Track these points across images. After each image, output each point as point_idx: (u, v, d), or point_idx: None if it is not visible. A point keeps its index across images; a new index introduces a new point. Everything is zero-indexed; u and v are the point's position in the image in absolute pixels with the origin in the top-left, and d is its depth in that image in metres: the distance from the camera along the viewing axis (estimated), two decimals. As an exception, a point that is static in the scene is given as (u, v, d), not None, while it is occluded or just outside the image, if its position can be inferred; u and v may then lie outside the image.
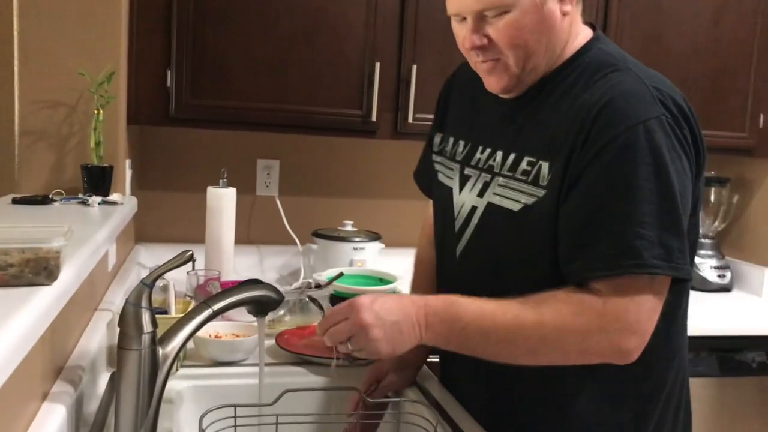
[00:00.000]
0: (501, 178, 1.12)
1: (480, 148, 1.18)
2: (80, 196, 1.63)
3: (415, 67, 1.98)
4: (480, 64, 1.11)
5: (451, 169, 1.24)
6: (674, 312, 1.09)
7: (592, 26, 1.16)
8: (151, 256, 2.09)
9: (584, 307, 0.98)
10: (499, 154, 1.14)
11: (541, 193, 1.05)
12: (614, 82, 1.04)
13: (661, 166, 0.98)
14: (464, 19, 1.08)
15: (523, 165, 1.09)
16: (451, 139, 1.26)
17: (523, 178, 1.08)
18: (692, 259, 1.07)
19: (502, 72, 1.09)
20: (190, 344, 1.15)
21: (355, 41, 1.97)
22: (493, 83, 1.12)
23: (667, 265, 0.97)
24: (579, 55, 1.10)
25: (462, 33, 1.10)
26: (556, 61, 1.11)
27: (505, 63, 1.08)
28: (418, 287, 1.38)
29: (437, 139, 1.31)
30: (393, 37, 1.99)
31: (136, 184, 2.10)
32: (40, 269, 0.81)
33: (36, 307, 0.74)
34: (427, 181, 1.35)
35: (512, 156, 1.11)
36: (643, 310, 0.98)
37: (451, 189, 1.23)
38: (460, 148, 1.23)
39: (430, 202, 1.37)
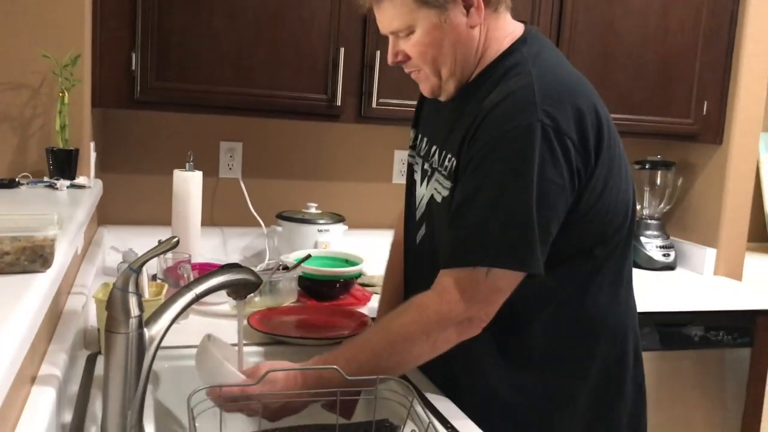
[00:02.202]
0: (436, 173, 1.24)
1: (433, 146, 1.29)
2: (47, 179, 1.63)
3: (378, 53, 2.02)
4: (410, 74, 1.24)
5: (418, 164, 1.35)
6: (567, 293, 1.20)
7: (527, 24, 1.24)
8: (115, 239, 2.10)
9: (421, 312, 1.12)
10: (436, 151, 1.25)
11: (450, 185, 1.18)
12: (507, 87, 1.12)
13: (523, 170, 1.05)
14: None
15: (446, 161, 1.20)
16: (420, 136, 1.36)
17: (445, 173, 1.20)
18: (594, 251, 1.19)
19: (425, 81, 1.22)
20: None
21: (320, 27, 2.00)
22: (422, 89, 1.25)
23: (506, 259, 1.07)
24: (501, 58, 1.18)
25: None
26: (478, 66, 1.20)
27: (425, 73, 1.21)
28: (393, 267, 1.47)
29: (412, 134, 1.41)
30: (357, 24, 2.02)
31: (98, 166, 2.09)
32: (35, 257, 0.83)
33: (38, 294, 0.77)
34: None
35: (443, 153, 1.23)
36: (476, 300, 1.09)
37: (416, 182, 1.35)
38: (424, 145, 1.33)
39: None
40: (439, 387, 1.27)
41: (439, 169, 1.23)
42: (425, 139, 1.33)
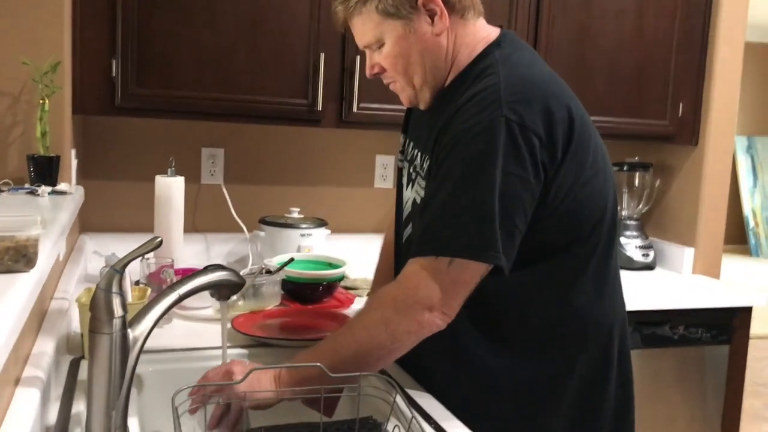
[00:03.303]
0: (418, 176, 1.27)
1: (416, 150, 1.32)
2: (28, 186, 1.63)
3: (359, 57, 2.03)
4: (389, 86, 1.28)
5: (405, 167, 1.38)
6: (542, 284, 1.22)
7: (503, 27, 1.27)
8: (97, 246, 2.09)
9: (380, 299, 1.16)
10: (418, 155, 1.29)
11: (425, 185, 1.22)
12: (476, 88, 1.15)
13: (485, 163, 1.08)
14: None
15: (424, 163, 1.24)
16: (408, 141, 1.39)
17: (423, 173, 1.24)
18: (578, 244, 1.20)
19: (401, 91, 1.26)
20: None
21: (300, 32, 2.02)
22: (402, 100, 1.29)
23: (465, 250, 1.09)
24: (474, 62, 1.22)
25: None
26: (451, 72, 1.23)
27: (400, 84, 1.25)
28: (384, 267, 1.50)
29: (401, 139, 1.43)
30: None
31: (80, 173, 2.09)
32: (19, 257, 0.84)
33: (22, 294, 0.77)
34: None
35: (423, 156, 1.26)
36: (436, 289, 1.10)
37: (403, 185, 1.38)
38: (410, 149, 1.36)
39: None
40: (421, 384, 1.29)
41: (420, 171, 1.26)
42: (411, 144, 1.37)
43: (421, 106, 1.27)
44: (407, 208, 1.34)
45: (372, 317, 1.15)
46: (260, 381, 1.11)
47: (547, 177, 1.12)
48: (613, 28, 2.33)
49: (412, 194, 1.30)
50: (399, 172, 1.44)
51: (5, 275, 0.83)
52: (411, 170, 1.33)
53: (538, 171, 1.11)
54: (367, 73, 1.27)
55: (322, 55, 2.02)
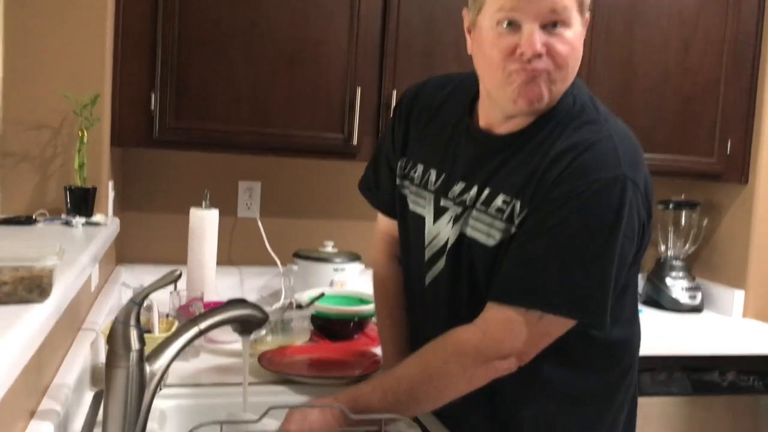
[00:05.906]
0: (474, 212, 1.16)
1: (456, 181, 1.20)
2: (63, 217, 1.65)
3: (395, 92, 2.02)
4: (520, 72, 1.07)
5: (424, 198, 1.25)
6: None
7: None
8: (132, 277, 2.10)
9: (460, 346, 1.10)
10: (474, 189, 1.17)
11: (503, 226, 1.12)
12: (581, 135, 1.09)
13: (610, 223, 1.04)
14: (517, 27, 1.06)
15: (498, 202, 1.13)
16: (420, 166, 1.26)
17: (498, 215, 1.13)
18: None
19: (543, 83, 1.08)
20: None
21: (337, 67, 2.02)
22: (528, 93, 1.08)
23: (572, 308, 1.06)
24: (560, 100, 1.13)
25: (510, 41, 1.06)
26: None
27: (552, 77, 1.08)
28: (386, 308, 1.41)
29: (401, 163, 1.31)
30: (373, 64, 2.03)
31: (118, 205, 2.11)
32: (33, 287, 0.83)
33: (31, 324, 0.76)
34: (379, 197, 1.40)
35: (487, 191, 1.15)
36: (522, 341, 1.07)
37: (423, 218, 1.24)
38: (433, 177, 1.23)
39: (380, 216, 1.44)
40: (453, 420, 1.23)
41: (482, 208, 1.15)
42: (432, 171, 1.23)
43: (530, 110, 1.11)
44: (436, 244, 1.21)
45: (452, 368, 1.10)
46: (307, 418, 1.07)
47: (643, 240, 1.13)
48: (657, 61, 2.28)
49: (452, 230, 1.18)
50: (401, 201, 1.30)
51: (19, 305, 0.82)
52: (443, 203, 1.20)
53: (642, 231, 1.11)
54: (534, 49, 1.04)
55: (359, 90, 2.02)
